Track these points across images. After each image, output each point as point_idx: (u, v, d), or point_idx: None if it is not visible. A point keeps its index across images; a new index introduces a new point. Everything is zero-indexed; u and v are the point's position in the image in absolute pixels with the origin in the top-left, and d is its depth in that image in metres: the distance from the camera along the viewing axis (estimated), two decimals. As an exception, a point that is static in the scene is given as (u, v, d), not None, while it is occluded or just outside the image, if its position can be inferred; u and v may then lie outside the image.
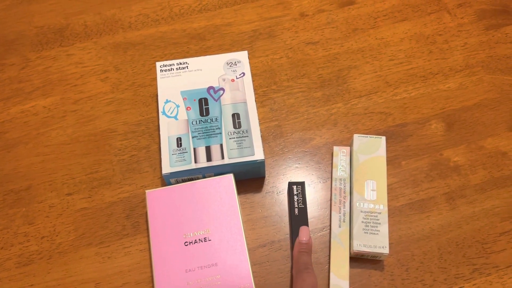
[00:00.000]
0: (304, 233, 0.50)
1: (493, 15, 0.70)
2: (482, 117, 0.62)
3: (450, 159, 0.60)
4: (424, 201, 0.57)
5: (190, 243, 0.51)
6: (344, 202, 0.55)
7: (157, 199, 0.54)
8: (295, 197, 0.54)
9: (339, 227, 0.54)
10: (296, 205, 0.54)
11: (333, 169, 0.57)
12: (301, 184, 0.55)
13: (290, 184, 0.55)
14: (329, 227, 0.56)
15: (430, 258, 0.54)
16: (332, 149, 0.60)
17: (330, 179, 0.59)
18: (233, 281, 0.49)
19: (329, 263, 0.54)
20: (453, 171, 0.59)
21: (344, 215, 0.55)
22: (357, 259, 0.54)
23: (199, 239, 0.51)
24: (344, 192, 0.56)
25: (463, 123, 0.62)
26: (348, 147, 0.58)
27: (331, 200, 0.57)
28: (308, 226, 0.53)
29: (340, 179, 0.56)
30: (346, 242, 0.53)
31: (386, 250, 0.52)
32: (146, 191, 0.54)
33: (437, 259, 0.54)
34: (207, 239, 0.51)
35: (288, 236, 0.56)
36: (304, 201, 0.54)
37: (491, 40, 0.68)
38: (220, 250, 0.51)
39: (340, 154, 0.57)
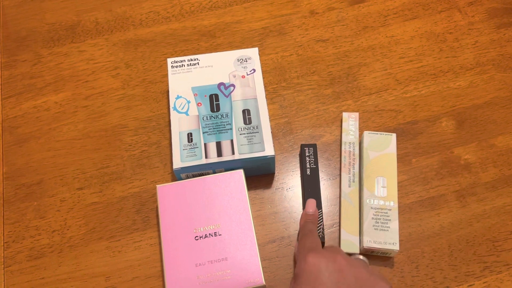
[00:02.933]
0: (310, 205, 0.51)
1: (505, 14, 0.69)
2: (493, 115, 0.62)
3: (460, 157, 0.60)
4: (435, 198, 0.57)
5: (200, 237, 0.51)
6: (354, 164, 0.57)
7: (168, 194, 0.54)
8: (307, 158, 0.57)
9: (349, 186, 0.56)
10: (308, 166, 0.56)
11: (343, 134, 0.59)
12: (313, 146, 0.58)
13: (303, 146, 0.58)
14: (339, 190, 0.56)
15: (441, 256, 0.54)
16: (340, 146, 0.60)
17: (339, 176, 0.59)
18: (243, 275, 0.50)
19: (339, 220, 0.56)
20: (464, 169, 0.59)
21: (353, 175, 0.56)
22: (367, 256, 0.54)
23: (209, 234, 0.52)
24: (353, 154, 0.58)
25: (474, 121, 0.62)
26: (357, 113, 0.60)
27: (340, 162, 0.58)
28: (319, 185, 0.55)
29: (350, 143, 0.58)
30: (355, 201, 0.55)
31: (396, 247, 0.52)
32: (157, 185, 0.55)
33: (447, 257, 0.54)
34: (217, 234, 0.52)
35: (297, 232, 0.56)
36: (316, 162, 0.57)
37: (502, 38, 0.67)
38: (230, 245, 0.51)
39: (349, 120, 0.59)
